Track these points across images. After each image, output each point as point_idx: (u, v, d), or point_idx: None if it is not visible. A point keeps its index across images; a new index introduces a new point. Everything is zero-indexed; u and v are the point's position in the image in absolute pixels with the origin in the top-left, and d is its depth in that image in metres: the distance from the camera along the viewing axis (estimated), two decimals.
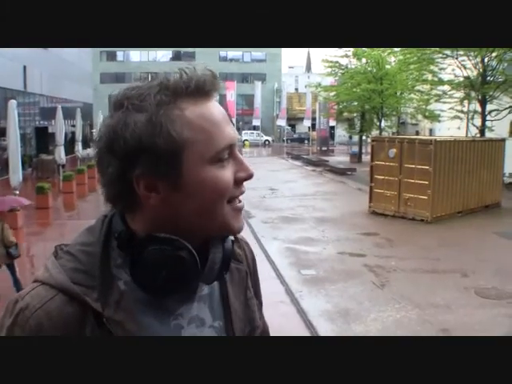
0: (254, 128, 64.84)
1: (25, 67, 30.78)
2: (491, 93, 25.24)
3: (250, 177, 1.22)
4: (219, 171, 1.15)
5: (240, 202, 1.23)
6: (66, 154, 25.63)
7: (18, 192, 15.30)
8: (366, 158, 32.78)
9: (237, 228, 1.23)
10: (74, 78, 42.02)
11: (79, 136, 30.21)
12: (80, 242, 1.21)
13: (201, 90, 1.16)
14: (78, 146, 30.21)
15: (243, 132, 64.14)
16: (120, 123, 1.12)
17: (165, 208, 1.16)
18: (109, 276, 1.17)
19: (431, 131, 52.30)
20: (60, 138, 24.36)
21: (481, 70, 25.63)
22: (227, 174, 1.17)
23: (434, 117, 34.43)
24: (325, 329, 8.06)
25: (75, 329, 1.11)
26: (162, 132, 1.10)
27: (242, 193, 1.23)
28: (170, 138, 1.10)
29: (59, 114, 24.45)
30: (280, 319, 8.42)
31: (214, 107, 1.18)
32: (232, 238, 1.29)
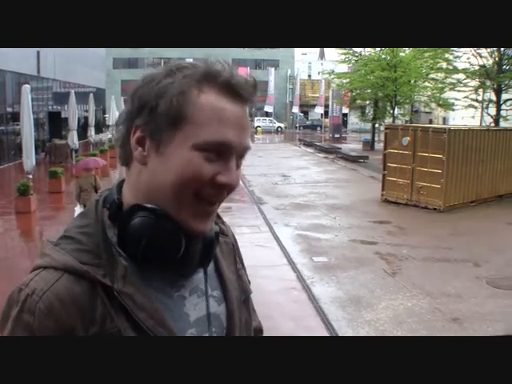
0: (267, 114, 64.72)
1: (38, 52, 30.81)
2: (507, 82, 25.07)
3: (229, 185, 1.19)
4: (200, 159, 1.16)
5: (212, 205, 1.23)
6: (79, 139, 25.73)
7: (31, 176, 15.38)
8: (379, 145, 32.67)
9: (195, 228, 1.22)
10: (87, 63, 42.06)
11: (92, 121, 30.31)
12: (76, 226, 1.24)
13: (230, 87, 1.18)
14: (91, 131, 30.33)
15: (256, 118, 64.00)
16: (149, 77, 1.21)
17: (145, 171, 1.20)
18: (111, 254, 1.19)
19: (445, 120, 52.08)
20: (73, 123, 24.44)
21: (497, 59, 25.46)
22: (206, 167, 1.16)
23: (447, 105, 34.25)
24: (336, 316, 8.07)
25: (86, 306, 1.13)
26: (167, 96, 1.16)
27: (217, 196, 1.22)
28: (170, 105, 1.16)
29: (72, 98, 24.52)
30: (291, 305, 8.46)
31: (233, 110, 1.19)
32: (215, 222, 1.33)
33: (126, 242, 1.19)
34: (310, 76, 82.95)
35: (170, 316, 1.22)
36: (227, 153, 1.18)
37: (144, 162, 1.20)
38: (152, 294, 1.21)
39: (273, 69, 64.64)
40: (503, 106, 25.59)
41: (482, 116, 28.83)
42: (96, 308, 1.13)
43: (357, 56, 39.53)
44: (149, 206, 1.19)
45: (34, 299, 1.11)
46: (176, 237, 1.20)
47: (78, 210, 11.84)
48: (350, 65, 42.28)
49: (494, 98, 26.10)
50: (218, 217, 1.45)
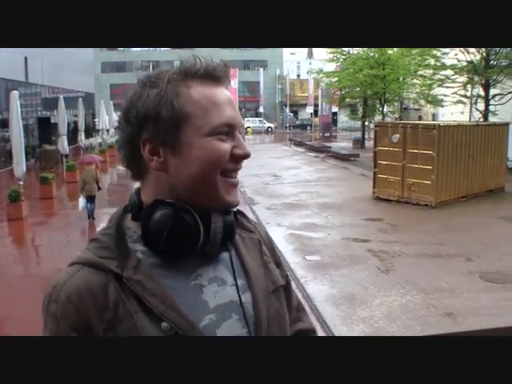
0: (257, 115, 64.76)
1: (26, 58, 30.73)
2: (494, 77, 25.18)
3: (246, 155, 1.35)
4: (216, 142, 1.29)
5: (235, 178, 1.36)
6: (69, 144, 25.61)
7: (21, 183, 15.34)
8: (369, 143, 32.73)
9: (228, 200, 1.34)
10: (75, 67, 41.93)
11: (82, 126, 30.22)
12: (101, 229, 1.39)
13: (209, 74, 1.32)
14: (81, 136, 30.26)
15: (245, 119, 64.00)
16: (136, 95, 1.31)
17: (165, 173, 1.31)
18: (125, 249, 1.30)
19: (434, 116, 52.22)
20: (63, 128, 24.36)
21: (484, 54, 25.55)
22: (224, 145, 1.30)
23: (436, 102, 34.37)
24: (330, 314, 8.09)
25: (100, 294, 1.23)
26: (166, 103, 1.27)
27: (237, 169, 1.36)
28: (172, 109, 1.27)
29: (61, 104, 24.44)
30: None
31: (219, 91, 1.33)
32: (234, 209, 1.41)
33: (149, 236, 1.28)
34: (298, 75, 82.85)
35: (184, 302, 1.27)
36: (233, 129, 1.33)
37: (163, 167, 1.30)
38: (165, 282, 1.28)
39: (261, 69, 64.77)
40: (492, 101, 25.68)
41: (471, 111, 28.95)
42: (109, 295, 1.23)
43: (345, 54, 39.62)
44: (168, 200, 1.29)
45: (57, 290, 1.25)
46: (195, 226, 1.29)
47: (82, 201, 14.00)
48: (338, 63, 42.35)
49: (482, 93, 26.21)
50: (244, 216, 1.55)
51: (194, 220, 1.28)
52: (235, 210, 1.42)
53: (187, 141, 1.28)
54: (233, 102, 1.35)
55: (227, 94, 1.35)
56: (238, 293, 1.36)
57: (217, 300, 1.33)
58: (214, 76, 1.32)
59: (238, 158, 1.33)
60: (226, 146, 1.30)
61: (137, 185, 1.40)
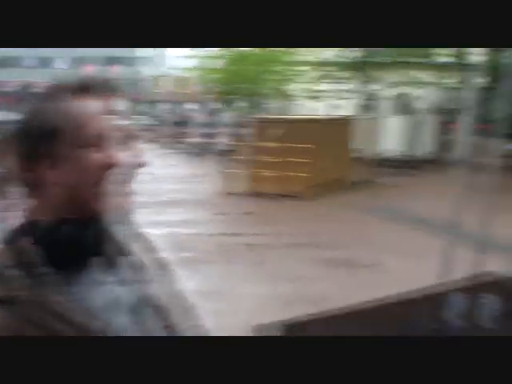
0: (130, 113, 64.07)
1: None
2: (374, 73, 26.15)
3: (116, 163, 1.35)
4: (88, 154, 1.33)
5: (106, 186, 1.36)
6: None
7: None
8: (246, 138, 33.11)
9: (102, 210, 1.35)
10: None
11: None
12: None
13: (84, 88, 1.37)
14: None
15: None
16: (30, 114, 1.38)
17: (47, 186, 1.34)
18: (26, 272, 1.27)
19: (311, 111, 53.60)
20: None
21: (364, 51, 26.41)
22: (95, 156, 1.34)
23: (314, 97, 35.14)
24: (199, 309, 8.02)
25: (6, 329, 1.20)
26: (43, 118, 1.34)
27: (114, 178, 1.36)
28: (48, 124, 1.33)
29: None
30: None
31: (92, 104, 1.37)
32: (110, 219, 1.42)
33: (46, 255, 1.28)
34: (178, 71, 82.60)
35: (98, 307, 1.32)
36: (110, 139, 1.37)
37: (57, 180, 1.33)
38: (73, 295, 1.30)
39: (137, 66, 64.12)
40: (369, 96, 26.68)
41: (349, 106, 29.84)
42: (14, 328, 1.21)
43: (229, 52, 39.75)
44: (53, 218, 1.32)
45: None
46: (85, 237, 1.34)
47: None
48: (219, 60, 42.41)
49: (361, 88, 27.16)
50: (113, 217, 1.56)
51: (83, 232, 1.33)
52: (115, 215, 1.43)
53: (64, 153, 1.32)
54: (113, 113, 1.40)
55: (107, 105, 1.39)
56: (140, 287, 1.44)
57: (124, 299, 1.39)
58: (88, 89, 1.37)
59: (109, 166, 1.35)
60: (97, 157, 1.33)
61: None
